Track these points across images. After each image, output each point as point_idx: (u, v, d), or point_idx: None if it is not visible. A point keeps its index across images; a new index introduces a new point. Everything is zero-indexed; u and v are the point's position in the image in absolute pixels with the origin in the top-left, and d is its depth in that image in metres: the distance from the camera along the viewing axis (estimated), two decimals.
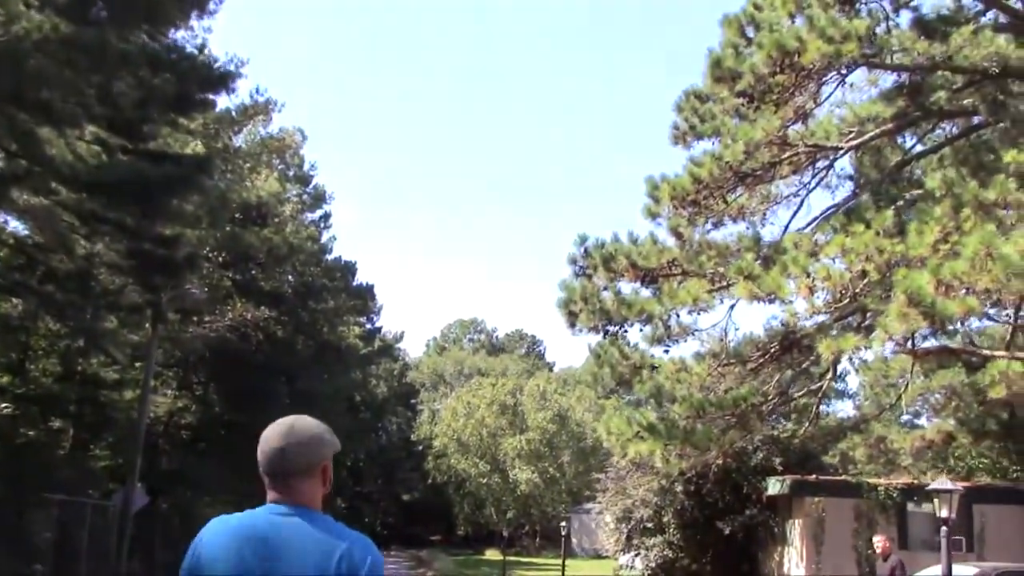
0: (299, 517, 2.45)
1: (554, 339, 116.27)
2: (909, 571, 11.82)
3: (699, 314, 14.37)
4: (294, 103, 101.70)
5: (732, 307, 15.53)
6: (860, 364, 24.88)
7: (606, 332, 14.84)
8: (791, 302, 12.48)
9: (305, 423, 2.59)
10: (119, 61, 13.91)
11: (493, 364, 68.42)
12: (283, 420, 2.61)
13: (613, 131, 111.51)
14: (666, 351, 15.17)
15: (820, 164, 15.82)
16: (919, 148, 16.34)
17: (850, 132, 15.30)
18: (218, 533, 2.49)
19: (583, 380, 66.07)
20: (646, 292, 14.47)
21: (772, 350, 16.63)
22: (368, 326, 51.83)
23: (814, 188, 16.20)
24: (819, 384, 16.61)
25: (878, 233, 12.02)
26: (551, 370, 72.57)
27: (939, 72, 15.07)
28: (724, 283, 14.33)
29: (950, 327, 14.29)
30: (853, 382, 38.33)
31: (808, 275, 12.06)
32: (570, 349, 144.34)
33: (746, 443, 18.95)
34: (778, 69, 13.09)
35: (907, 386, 19.95)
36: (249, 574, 2.36)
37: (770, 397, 15.39)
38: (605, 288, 14.36)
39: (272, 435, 2.55)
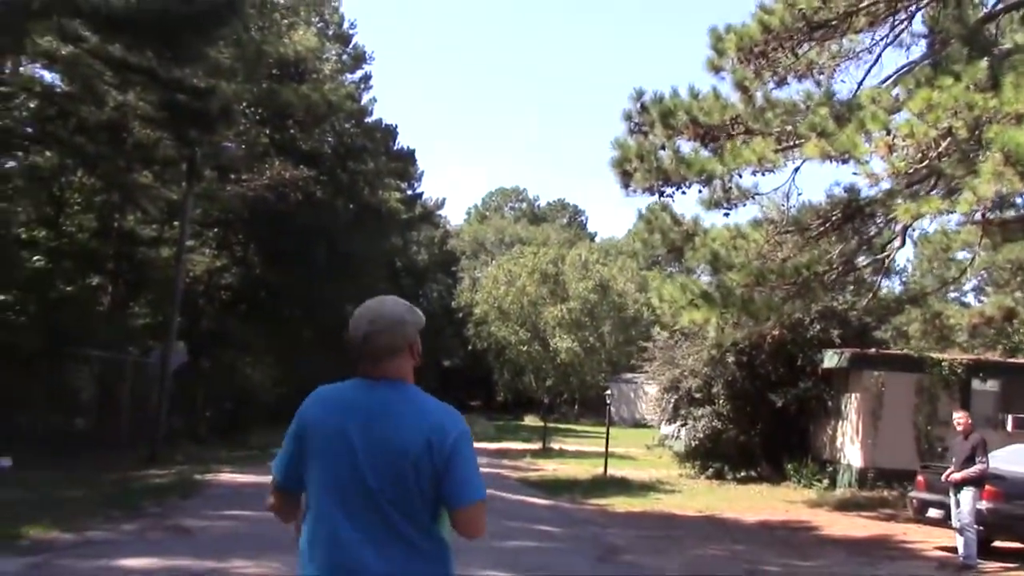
0: (392, 390, 2.64)
1: (596, 209, 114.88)
2: None
3: (763, 175, 13.41)
4: None
5: (797, 169, 14.62)
6: (919, 237, 23.72)
7: (661, 193, 13.93)
8: (867, 162, 11.44)
9: (388, 307, 2.73)
10: None
11: (534, 233, 67.53)
12: (368, 304, 2.75)
13: None
14: (726, 214, 14.30)
15: (900, 16, 14.47)
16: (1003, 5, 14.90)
17: None
18: (322, 400, 2.68)
19: (625, 251, 65.50)
20: (706, 152, 13.44)
21: (834, 218, 15.74)
22: (409, 192, 51.15)
23: (890, 43, 14.88)
24: (883, 255, 15.68)
25: (968, 88, 10.91)
26: (593, 240, 71.72)
27: None
28: (791, 142, 13.34)
29: None
30: (900, 258, 37.22)
31: (888, 132, 11.02)
32: (612, 220, 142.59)
33: (803, 314, 18.12)
34: None
35: (974, 259, 19.02)
36: (351, 435, 2.53)
37: (834, 266, 14.51)
38: (663, 146, 13.36)
39: (359, 320, 2.69)
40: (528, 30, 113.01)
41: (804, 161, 13.18)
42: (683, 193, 13.71)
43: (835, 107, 12.40)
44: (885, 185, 14.32)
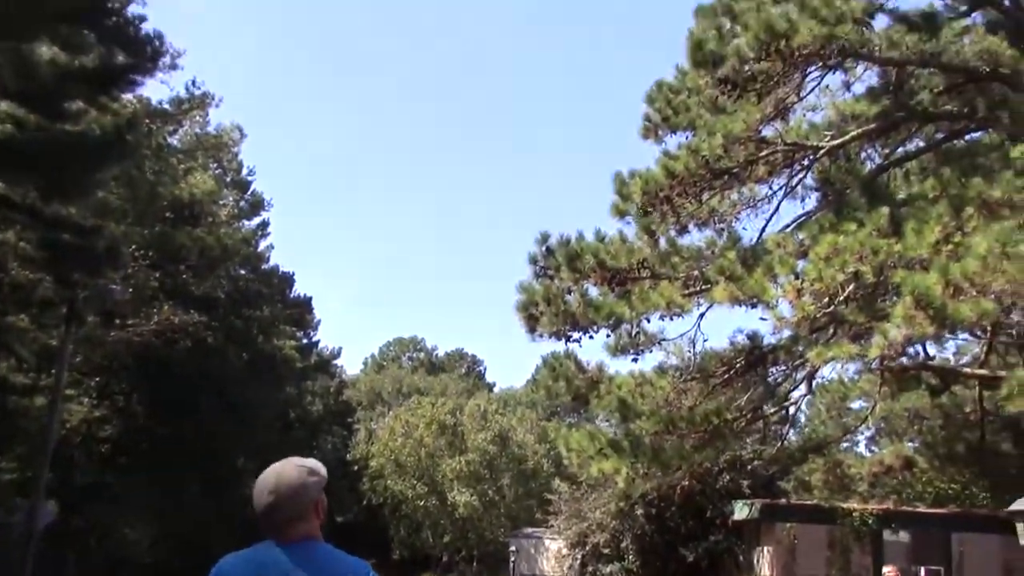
0: (303, 551, 2.69)
1: (495, 359, 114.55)
2: None
3: (671, 319, 13.21)
4: (234, 103, 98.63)
5: (702, 315, 14.48)
6: (817, 386, 23.89)
7: (568, 338, 13.59)
8: (775, 306, 11.32)
9: (288, 474, 2.77)
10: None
11: (432, 383, 66.75)
12: (267, 474, 2.79)
13: (563, 141, 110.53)
14: (635, 360, 14.02)
15: (796, 167, 14.77)
16: (899, 153, 15.42)
17: (827, 135, 14.42)
18: (235, 564, 2.71)
19: (525, 401, 65.07)
20: (613, 296, 13.22)
21: (737, 365, 15.62)
22: (305, 340, 50.10)
23: (787, 195, 15.15)
24: (788, 403, 15.54)
25: (872, 233, 10.98)
26: (491, 391, 71.21)
27: (924, 71, 14.26)
28: (698, 287, 13.24)
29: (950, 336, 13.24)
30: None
31: (797, 276, 10.95)
32: (512, 370, 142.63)
33: (712, 464, 17.77)
34: (764, 54, 12.04)
35: (874, 406, 19.05)
36: None
37: (743, 413, 14.25)
38: (570, 290, 13.10)
39: (260, 492, 2.75)
40: (426, 181, 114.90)
41: (711, 306, 13.07)
42: (591, 337, 13.42)
43: (742, 252, 12.37)
44: (788, 331, 14.36)
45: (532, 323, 13.37)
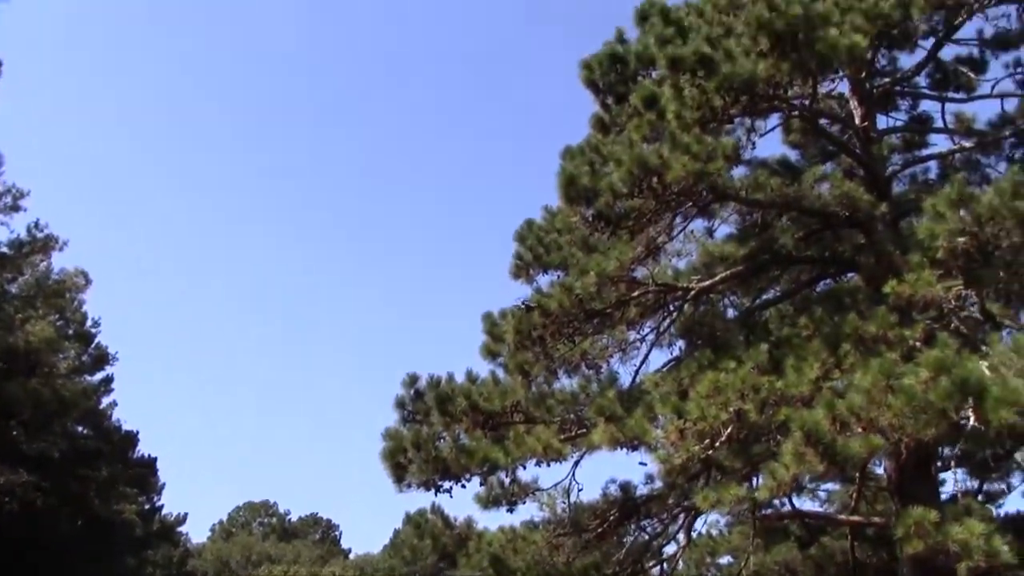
0: None
1: (352, 524, 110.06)
2: None
3: (547, 466, 12.46)
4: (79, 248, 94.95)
5: (577, 463, 13.79)
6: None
7: (438, 488, 12.64)
8: (657, 448, 10.72)
9: None
10: None
11: (285, 550, 63.33)
12: None
13: (424, 285, 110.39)
14: (510, 510, 13.11)
15: (668, 309, 14.56)
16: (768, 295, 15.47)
17: (695, 277, 14.37)
18: None
19: (382, 567, 62.17)
20: (486, 441, 12.43)
21: (611, 517, 14.92)
22: (147, 505, 46.77)
23: (660, 336, 14.86)
24: (662, 557, 14.86)
25: (753, 370, 10.67)
26: (347, 557, 67.97)
27: (788, 214, 14.48)
28: (575, 431, 12.62)
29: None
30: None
31: (680, 416, 10.44)
32: (369, 534, 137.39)
33: None
34: (637, 190, 11.89)
35: (748, 558, 18.50)
36: None
37: (623, 567, 13.46)
38: (441, 435, 12.25)
39: None
40: (283, 335, 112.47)
41: (585, 453, 12.42)
42: (463, 486, 12.53)
43: (620, 393, 11.88)
44: (668, 477, 13.83)
45: (400, 472, 12.41)
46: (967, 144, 14.99)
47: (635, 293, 13.69)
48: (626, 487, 15.33)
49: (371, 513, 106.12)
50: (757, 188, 13.54)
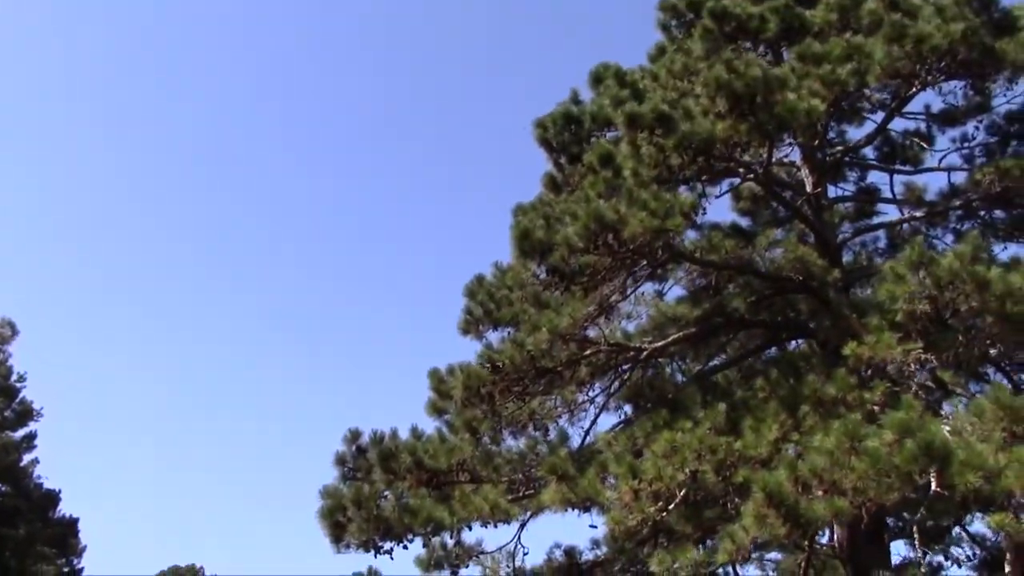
0: None
1: None
2: None
3: (494, 527, 11.93)
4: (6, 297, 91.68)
5: (523, 525, 13.27)
6: None
7: (378, 549, 11.99)
8: (610, 509, 10.26)
9: None
10: None
11: None
12: None
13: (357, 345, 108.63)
14: (461, 572, 12.52)
15: (620, 368, 14.23)
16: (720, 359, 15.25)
17: (647, 339, 14.10)
18: None
19: None
20: (430, 500, 11.88)
21: None
22: (66, 568, 44.71)
23: (610, 397, 14.51)
24: None
25: (709, 430, 10.35)
26: None
27: (741, 277, 14.33)
28: (523, 492, 12.13)
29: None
30: None
31: (635, 476, 10.03)
32: None
33: None
34: (593, 245, 11.59)
35: None
36: None
37: None
38: (384, 493, 11.67)
39: None
40: (207, 401, 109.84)
41: (532, 515, 11.91)
42: (404, 547, 11.92)
43: (571, 452, 11.46)
44: (614, 542, 13.41)
45: (338, 532, 11.77)
46: (917, 214, 15.02)
47: (587, 352, 13.36)
48: (570, 552, 14.89)
49: None
50: (711, 250, 13.39)
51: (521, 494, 12.10)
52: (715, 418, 10.44)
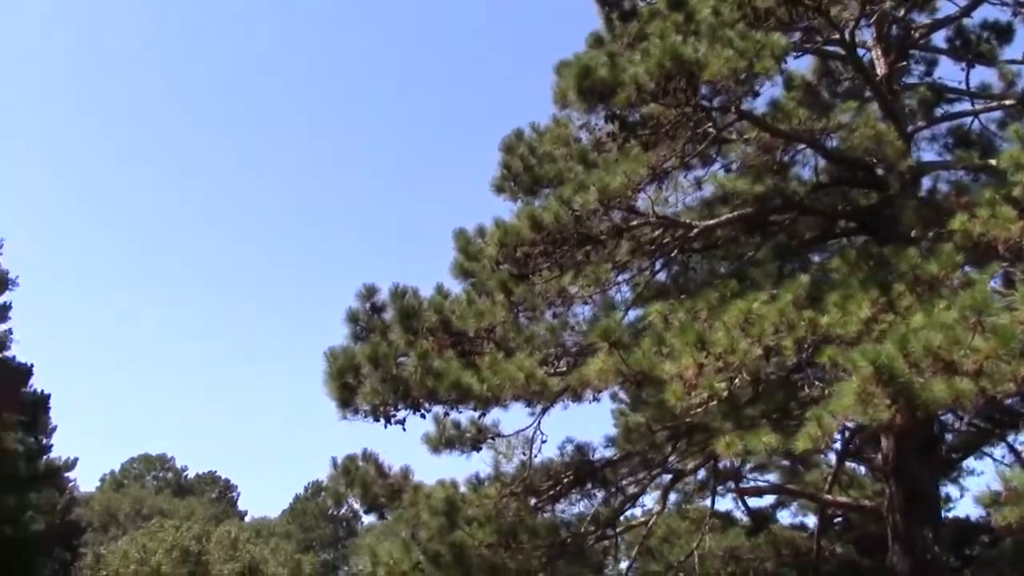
0: None
1: (251, 486, 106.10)
2: None
3: (526, 403, 10.53)
4: None
5: (545, 410, 11.89)
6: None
7: (389, 418, 10.55)
8: (670, 384, 8.80)
9: None
10: None
11: (178, 507, 60.10)
12: None
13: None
14: (472, 455, 11.18)
15: (667, 246, 12.74)
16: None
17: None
18: None
19: (279, 531, 59.62)
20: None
21: (565, 480, 13.17)
22: (35, 445, 43.48)
23: (652, 277, 13.08)
24: (649, 515, 13.13)
25: (791, 304, 8.91)
26: (243, 519, 65.10)
27: (809, 154, 12.82)
28: (558, 367, 10.73)
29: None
30: None
31: (702, 347, 8.59)
32: (267, 499, 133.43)
33: None
34: (664, 90, 9.97)
35: (701, 541, 16.84)
36: None
37: (597, 528, 11.63)
38: (404, 353, 10.17)
39: None
40: (192, 292, 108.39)
41: (572, 391, 10.39)
42: (423, 416, 10.48)
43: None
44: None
45: (347, 395, 10.32)
46: (1007, 103, 13.42)
47: (633, 223, 11.87)
48: (583, 448, 13.68)
49: (271, 478, 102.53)
50: (784, 116, 11.81)
51: (564, 368, 10.71)
52: (796, 291, 9.00)
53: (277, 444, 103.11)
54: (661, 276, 13.80)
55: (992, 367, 7.21)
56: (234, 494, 72.57)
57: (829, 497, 13.85)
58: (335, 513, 67.70)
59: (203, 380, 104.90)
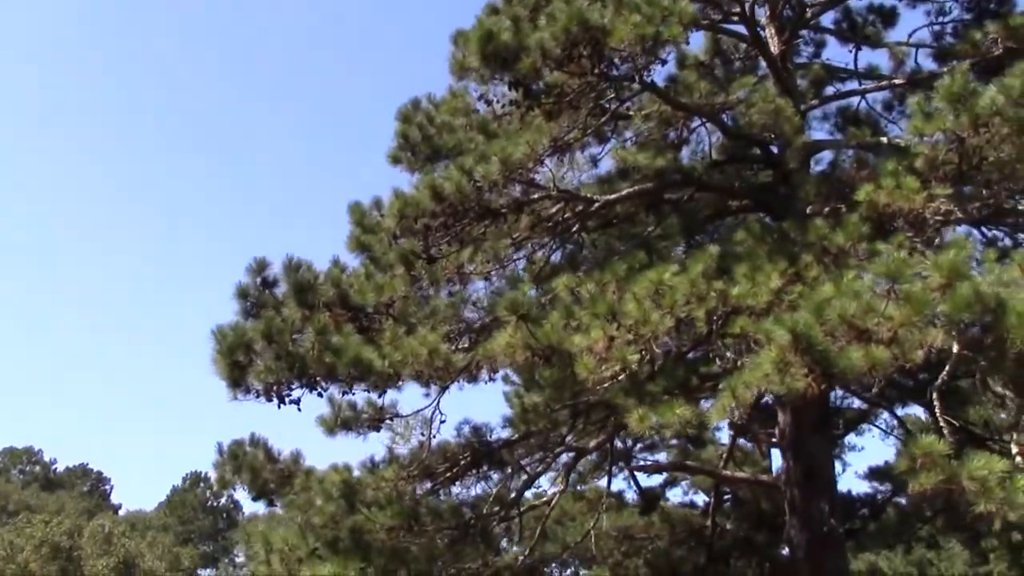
0: None
1: (124, 479, 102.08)
2: None
3: (426, 382, 10.10)
4: None
5: (444, 389, 11.48)
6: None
7: (284, 397, 9.96)
8: (580, 358, 8.50)
9: None
10: None
11: (47, 501, 57.36)
12: None
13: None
14: (369, 436, 10.70)
15: (566, 221, 12.47)
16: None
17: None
18: None
19: (156, 524, 57.57)
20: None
21: (462, 462, 12.86)
22: None
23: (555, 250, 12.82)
24: (549, 496, 12.88)
25: (701, 276, 8.74)
26: (117, 512, 62.60)
27: (708, 129, 12.75)
28: (459, 344, 10.34)
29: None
30: None
31: (613, 319, 8.33)
32: (142, 491, 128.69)
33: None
34: (569, 57, 9.65)
35: (598, 520, 16.73)
36: None
37: (501, 509, 11.30)
38: (299, 328, 9.58)
39: None
40: (57, 281, 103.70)
41: (477, 367, 9.99)
42: (319, 394, 9.93)
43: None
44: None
45: (239, 373, 9.68)
46: (897, 81, 13.60)
47: (535, 196, 11.57)
48: (479, 429, 13.41)
49: (145, 471, 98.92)
50: (685, 89, 11.66)
51: (457, 346, 10.31)
52: (706, 262, 8.82)
53: (152, 435, 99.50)
54: (556, 258, 13.58)
55: (905, 335, 7.14)
56: (107, 487, 69.78)
57: (728, 473, 13.90)
58: (215, 504, 65.90)
59: (71, 370, 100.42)
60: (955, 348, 7.59)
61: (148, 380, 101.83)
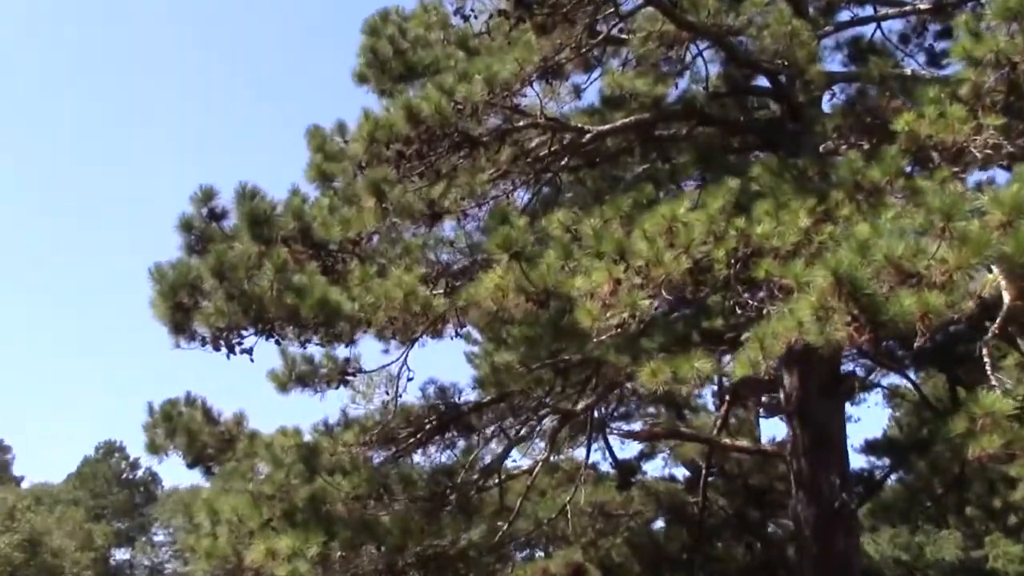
0: None
1: (27, 448, 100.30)
2: None
3: (404, 330, 9.65)
4: None
5: (415, 341, 11.08)
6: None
7: (232, 346, 9.42)
8: (580, 300, 8.06)
9: None
10: None
11: None
12: None
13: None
14: (327, 394, 10.27)
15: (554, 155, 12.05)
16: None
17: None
18: None
19: (65, 499, 56.66)
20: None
21: (427, 426, 12.55)
22: None
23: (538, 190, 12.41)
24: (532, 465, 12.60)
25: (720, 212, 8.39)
26: (19, 485, 61.53)
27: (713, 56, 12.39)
28: (437, 287, 9.91)
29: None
30: None
31: (620, 260, 7.92)
32: (48, 462, 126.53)
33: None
34: None
35: (575, 496, 16.49)
36: None
37: (479, 478, 10.95)
38: (256, 264, 9.01)
39: None
40: None
41: (460, 310, 9.55)
42: (277, 342, 9.45)
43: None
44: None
45: (182, 317, 9.11)
46: (921, 6, 13.27)
47: (520, 123, 11.14)
48: (445, 390, 13.11)
49: (53, 438, 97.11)
50: (692, 6, 11.20)
51: (432, 291, 9.86)
52: (726, 197, 8.45)
53: (59, 398, 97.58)
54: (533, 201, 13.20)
55: (962, 279, 6.83)
56: (8, 456, 68.44)
57: (728, 442, 13.67)
58: (131, 476, 65.04)
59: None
60: (1006, 297, 7.34)
61: (51, 335, 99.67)
